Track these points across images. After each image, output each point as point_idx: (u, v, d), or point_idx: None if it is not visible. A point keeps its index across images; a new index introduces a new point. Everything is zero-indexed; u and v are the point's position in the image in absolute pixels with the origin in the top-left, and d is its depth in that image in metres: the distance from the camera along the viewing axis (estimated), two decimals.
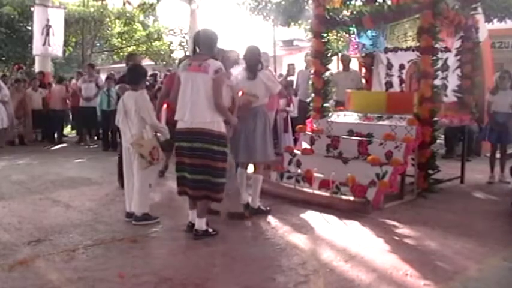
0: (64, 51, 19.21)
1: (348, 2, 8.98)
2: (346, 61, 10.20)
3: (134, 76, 5.86)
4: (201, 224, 5.28)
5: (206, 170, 5.11)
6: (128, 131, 5.76)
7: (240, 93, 5.73)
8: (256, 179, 6.30)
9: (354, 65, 10.82)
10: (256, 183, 6.30)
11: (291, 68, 10.85)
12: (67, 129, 15.84)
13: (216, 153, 5.09)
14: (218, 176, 5.16)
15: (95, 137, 13.88)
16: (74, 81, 14.88)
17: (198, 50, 5.26)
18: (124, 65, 25.84)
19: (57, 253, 4.78)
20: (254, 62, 6.10)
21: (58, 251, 4.84)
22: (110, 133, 12.28)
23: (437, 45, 7.33)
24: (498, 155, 8.63)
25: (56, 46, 16.89)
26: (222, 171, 5.19)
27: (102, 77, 15.04)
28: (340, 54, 9.52)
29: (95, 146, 13.08)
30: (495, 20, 9.04)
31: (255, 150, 6.09)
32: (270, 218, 6.13)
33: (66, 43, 20.10)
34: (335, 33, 9.01)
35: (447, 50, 8.06)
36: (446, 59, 8.26)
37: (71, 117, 15.39)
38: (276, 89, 6.30)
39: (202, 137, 5.06)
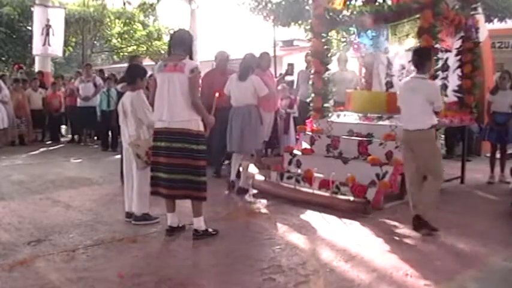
0: (64, 51, 19.22)
1: (348, 2, 8.98)
2: (343, 61, 10.16)
3: (131, 76, 5.85)
4: (199, 223, 5.28)
5: (186, 170, 5.11)
6: (126, 131, 5.81)
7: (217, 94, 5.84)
8: (245, 164, 7.44)
9: (354, 65, 10.80)
10: (246, 166, 7.46)
11: (289, 68, 10.88)
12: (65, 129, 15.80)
13: (195, 152, 5.10)
14: (200, 174, 5.17)
15: (95, 137, 13.86)
16: (72, 81, 14.89)
17: (173, 51, 5.26)
18: (124, 65, 25.79)
19: (57, 253, 4.78)
20: (247, 67, 7.32)
21: (58, 251, 4.84)
22: (110, 133, 12.29)
23: (437, 45, 7.33)
24: (498, 155, 8.64)
25: (56, 46, 16.91)
26: (203, 170, 5.21)
27: None
28: (338, 54, 9.50)
29: (95, 146, 13.07)
30: (495, 20, 9.05)
31: (249, 141, 7.26)
32: (270, 218, 6.14)
33: (66, 43, 20.11)
34: (335, 33, 8.99)
35: (447, 50, 8.05)
36: (447, 59, 8.25)
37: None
38: (261, 93, 7.27)
39: (182, 137, 5.07)
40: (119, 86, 8.09)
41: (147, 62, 24.75)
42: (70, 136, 14.52)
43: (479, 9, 8.22)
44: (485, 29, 8.56)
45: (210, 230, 5.36)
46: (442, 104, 5.83)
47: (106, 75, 14.62)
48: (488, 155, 8.87)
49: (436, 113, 5.75)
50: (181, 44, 5.22)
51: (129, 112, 5.68)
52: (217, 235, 5.36)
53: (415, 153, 5.67)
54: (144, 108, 5.61)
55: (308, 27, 9.06)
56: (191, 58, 5.25)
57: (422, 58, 5.70)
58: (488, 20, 9.05)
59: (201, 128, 5.18)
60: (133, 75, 5.83)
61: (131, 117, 5.68)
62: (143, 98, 5.68)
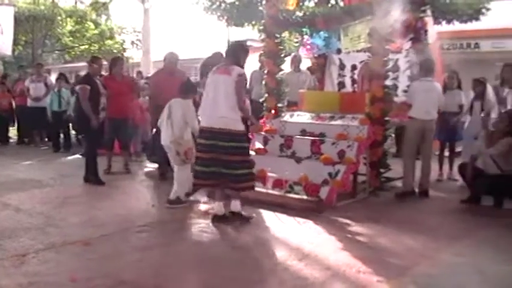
0: (13, 50, 18.71)
1: (301, 3, 9.06)
2: (297, 62, 10.23)
3: (186, 90, 6.81)
4: (235, 207, 5.92)
5: (224, 164, 5.71)
6: (170, 131, 6.59)
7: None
8: None
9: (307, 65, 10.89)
10: None
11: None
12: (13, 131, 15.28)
13: (234, 148, 5.65)
14: (237, 168, 5.70)
15: (46, 138, 13.55)
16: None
17: (226, 59, 5.99)
18: (76, 64, 25.09)
19: (7, 258, 4.66)
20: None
21: (8, 255, 4.72)
22: (61, 134, 12.07)
23: (387, 47, 7.47)
24: (446, 153, 8.85)
25: (5, 45, 16.38)
26: (239, 164, 5.72)
27: (53, 76, 14.68)
28: (292, 55, 9.59)
29: (45, 147, 12.78)
30: (444, 22, 9.25)
31: None
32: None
33: (15, 42, 19.54)
34: (288, 34, 9.08)
35: (398, 51, 8.22)
36: (397, 60, 8.42)
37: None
38: None
39: (222, 136, 5.63)
40: (77, 87, 8.00)
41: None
42: (17, 137, 14.08)
43: (428, 12, 8.40)
44: (434, 31, 8.75)
45: (243, 213, 5.96)
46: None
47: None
48: (437, 153, 9.04)
49: None
50: (232, 53, 5.94)
51: (178, 115, 6.55)
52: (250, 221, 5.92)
53: (424, 137, 7.33)
54: (193, 115, 6.53)
55: (261, 27, 9.10)
56: (242, 67, 5.85)
57: (427, 66, 7.45)
58: (437, 22, 9.25)
59: (240, 128, 5.74)
60: (187, 89, 6.85)
61: (180, 119, 6.54)
62: (192, 106, 6.61)
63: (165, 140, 6.74)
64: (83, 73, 16.04)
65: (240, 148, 5.72)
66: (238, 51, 5.97)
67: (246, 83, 5.98)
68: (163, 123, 6.77)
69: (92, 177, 7.98)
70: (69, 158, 11.01)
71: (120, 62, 9.15)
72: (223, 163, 5.70)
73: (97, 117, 7.87)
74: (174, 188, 6.61)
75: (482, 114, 7.92)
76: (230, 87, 5.62)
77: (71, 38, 25.82)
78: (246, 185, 5.89)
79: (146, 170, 9.35)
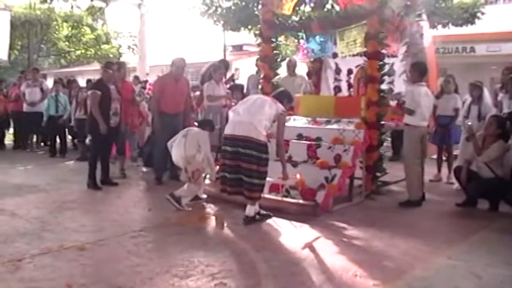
0: (9, 55, 18.69)
1: (297, 8, 9.08)
2: (292, 66, 10.23)
3: (205, 123, 7.32)
4: (250, 211, 6.08)
5: (242, 171, 5.94)
6: (183, 148, 6.73)
7: None
8: None
9: (303, 70, 10.91)
10: None
11: (236, 72, 10.93)
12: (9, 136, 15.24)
13: (252, 157, 5.86)
14: (252, 176, 5.90)
15: (41, 143, 13.51)
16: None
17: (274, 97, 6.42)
18: (72, 69, 25.06)
19: (3, 263, 4.64)
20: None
21: (3, 261, 4.70)
22: (58, 139, 12.04)
23: (383, 51, 7.49)
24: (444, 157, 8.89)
25: (1, 50, 16.42)
26: (255, 173, 5.90)
27: (50, 81, 14.63)
28: (287, 59, 9.60)
29: (42, 152, 12.76)
30: (439, 26, 9.30)
31: None
32: (220, 222, 6.15)
33: (11, 46, 19.55)
34: (284, 38, 9.12)
35: (393, 55, 8.24)
36: (393, 64, 8.44)
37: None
38: None
39: (243, 143, 5.86)
40: (88, 92, 8.03)
41: (95, 66, 24.37)
42: (13, 142, 14.02)
43: (424, 16, 8.45)
44: (429, 34, 8.79)
45: (257, 217, 6.12)
46: None
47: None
48: (434, 157, 9.07)
49: None
50: (279, 95, 6.44)
51: (194, 138, 6.77)
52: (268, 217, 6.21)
53: (423, 142, 7.12)
54: (208, 145, 6.84)
55: (257, 32, 9.13)
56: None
57: (421, 69, 7.14)
58: (433, 26, 9.30)
59: (261, 139, 5.92)
60: (207, 124, 7.25)
61: (195, 141, 6.75)
62: (208, 138, 6.91)
63: (176, 156, 6.89)
64: (77, 78, 16.14)
65: (258, 158, 5.87)
66: (283, 96, 6.44)
67: (285, 123, 6.46)
68: (175, 141, 6.91)
69: (89, 181, 7.98)
70: (66, 163, 11.00)
71: (123, 67, 9.16)
72: (243, 170, 5.92)
73: (107, 122, 7.92)
74: (184, 188, 6.74)
75: (468, 122, 7.87)
76: (270, 109, 6.02)
77: (66, 43, 25.83)
78: (256, 194, 6.04)
79: (142, 174, 9.32)
